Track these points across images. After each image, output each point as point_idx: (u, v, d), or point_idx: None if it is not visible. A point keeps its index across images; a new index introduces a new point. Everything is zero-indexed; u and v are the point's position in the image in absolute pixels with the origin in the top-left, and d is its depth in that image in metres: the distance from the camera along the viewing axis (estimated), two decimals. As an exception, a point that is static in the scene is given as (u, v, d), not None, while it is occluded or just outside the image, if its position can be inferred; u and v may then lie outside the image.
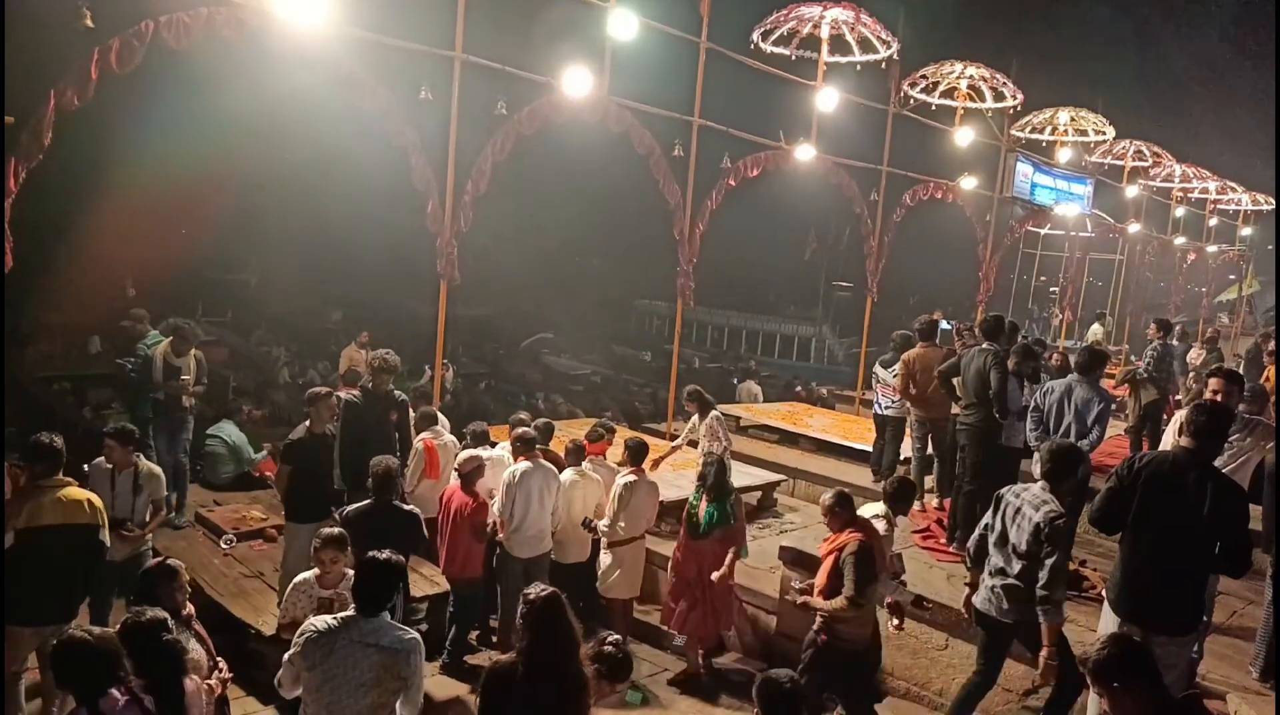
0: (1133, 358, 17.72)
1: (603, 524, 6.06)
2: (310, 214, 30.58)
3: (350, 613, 3.33)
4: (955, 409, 6.84)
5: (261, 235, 30.28)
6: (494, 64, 7.51)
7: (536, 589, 3.32)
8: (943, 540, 6.68)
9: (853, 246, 30.85)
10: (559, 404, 16.52)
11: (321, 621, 3.30)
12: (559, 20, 8.97)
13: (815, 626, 4.65)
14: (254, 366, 18.66)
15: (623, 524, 5.98)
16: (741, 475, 7.84)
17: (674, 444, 7.99)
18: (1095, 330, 16.13)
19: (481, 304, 29.06)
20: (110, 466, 5.26)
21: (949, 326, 11.19)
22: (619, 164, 14.17)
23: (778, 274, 43.03)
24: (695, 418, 7.42)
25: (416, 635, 3.38)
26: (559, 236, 41.77)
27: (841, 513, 4.69)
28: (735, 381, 17.03)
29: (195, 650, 3.63)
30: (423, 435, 6.78)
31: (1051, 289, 24.67)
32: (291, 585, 4.63)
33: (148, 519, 5.35)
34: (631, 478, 6.03)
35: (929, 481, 7.79)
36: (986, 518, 4.48)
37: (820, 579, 4.68)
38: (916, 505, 7.63)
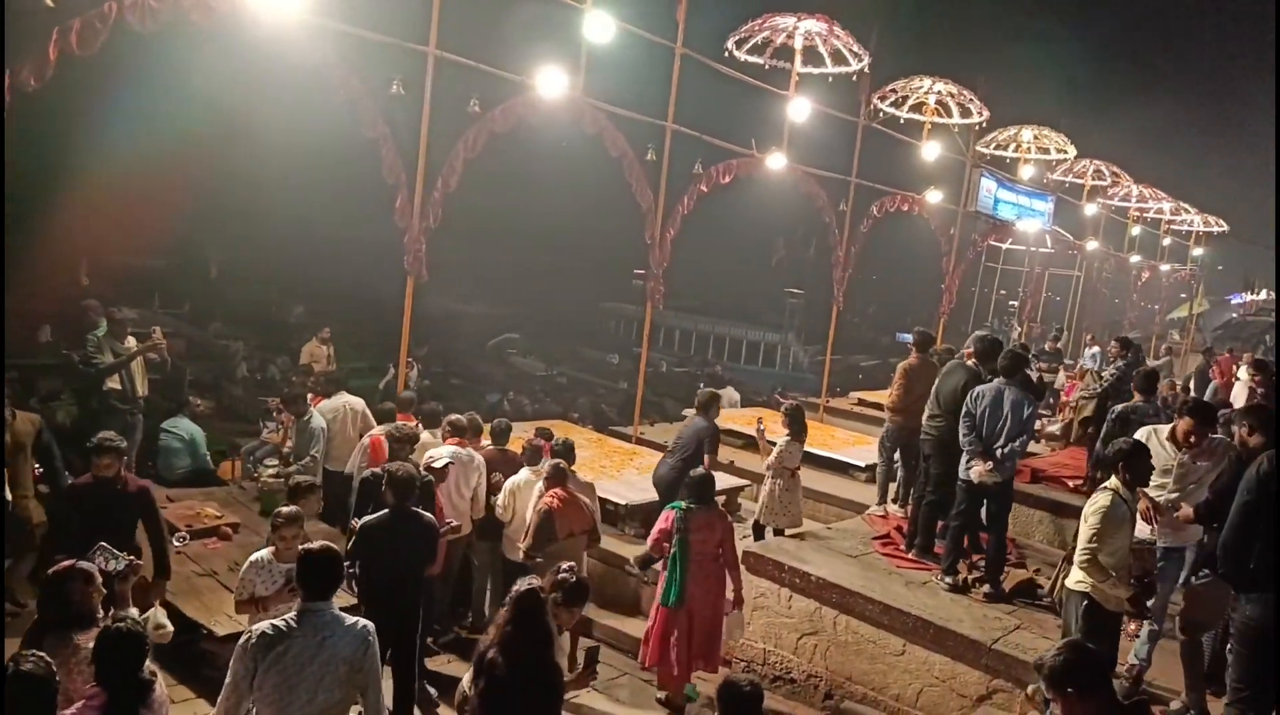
0: (1089, 369, 18.09)
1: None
2: (275, 205, 30.05)
3: (294, 614, 3.28)
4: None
5: (223, 226, 29.67)
6: (468, 61, 7.46)
7: (524, 584, 3.57)
8: (901, 547, 6.76)
9: (817, 254, 31.29)
10: (524, 405, 16.45)
11: (269, 625, 3.25)
12: (535, 19, 8.95)
13: None
14: (211, 359, 18.26)
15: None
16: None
17: (766, 463, 7.09)
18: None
19: (448, 300, 28.80)
20: None
21: (908, 337, 11.29)
22: (590, 166, 14.15)
23: (750, 279, 43.33)
24: (783, 440, 6.95)
25: (368, 624, 3.38)
26: (527, 236, 41.62)
27: (550, 481, 5.69)
28: (702, 386, 17.05)
29: None
30: (375, 431, 6.79)
31: (1011, 303, 25.13)
32: (247, 563, 4.60)
33: None
34: (527, 478, 6.08)
35: (892, 488, 7.88)
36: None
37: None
38: (878, 510, 7.74)
